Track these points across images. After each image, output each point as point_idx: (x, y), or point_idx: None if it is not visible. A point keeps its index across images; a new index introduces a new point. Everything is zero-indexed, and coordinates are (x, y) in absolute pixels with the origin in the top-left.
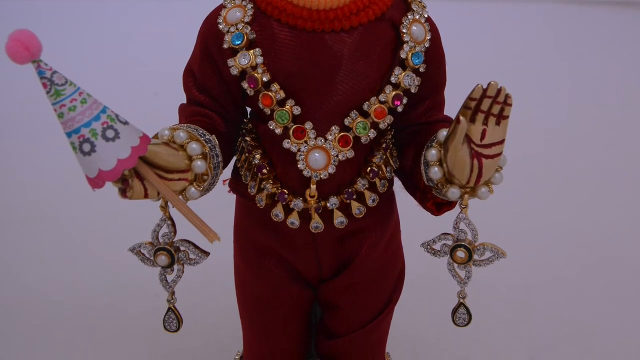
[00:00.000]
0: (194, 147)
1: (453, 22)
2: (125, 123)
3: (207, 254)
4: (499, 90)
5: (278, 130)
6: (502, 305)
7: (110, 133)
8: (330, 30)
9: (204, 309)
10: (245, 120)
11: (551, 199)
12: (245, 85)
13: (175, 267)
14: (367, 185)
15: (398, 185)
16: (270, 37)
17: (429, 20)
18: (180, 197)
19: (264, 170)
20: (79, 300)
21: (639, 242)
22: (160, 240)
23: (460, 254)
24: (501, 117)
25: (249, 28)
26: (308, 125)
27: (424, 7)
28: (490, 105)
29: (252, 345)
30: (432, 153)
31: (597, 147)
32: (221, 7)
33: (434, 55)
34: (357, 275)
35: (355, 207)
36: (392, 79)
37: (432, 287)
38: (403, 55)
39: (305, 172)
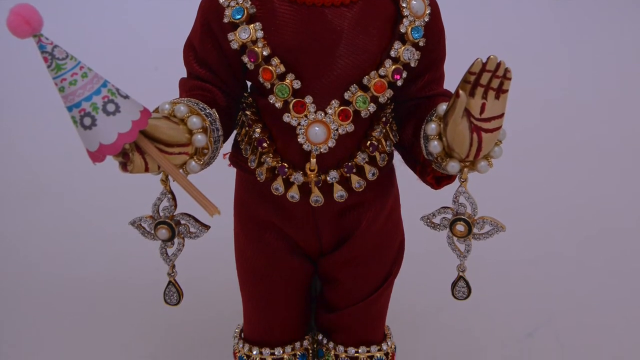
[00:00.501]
0: (194, 121)
1: None
2: (126, 97)
3: (207, 227)
4: (499, 65)
5: (278, 104)
6: (502, 278)
7: (111, 107)
8: (330, 5)
9: (204, 282)
10: (245, 95)
11: (550, 173)
12: (245, 59)
13: (176, 240)
14: (367, 159)
15: (398, 159)
16: (270, 12)
17: None
18: (181, 170)
19: (264, 144)
20: (80, 274)
21: (638, 215)
22: (161, 214)
23: (460, 227)
24: (500, 91)
25: (249, 2)
26: (308, 99)
27: None
28: (489, 79)
29: (252, 318)
30: (432, 127)
31: (596, 121)
32: None
33: (434, 29)
34: (357, 249)
35: (355, 181)
36: (392, 53)
37: (431, 261)
38: (403, 30)
39: (305, 146)
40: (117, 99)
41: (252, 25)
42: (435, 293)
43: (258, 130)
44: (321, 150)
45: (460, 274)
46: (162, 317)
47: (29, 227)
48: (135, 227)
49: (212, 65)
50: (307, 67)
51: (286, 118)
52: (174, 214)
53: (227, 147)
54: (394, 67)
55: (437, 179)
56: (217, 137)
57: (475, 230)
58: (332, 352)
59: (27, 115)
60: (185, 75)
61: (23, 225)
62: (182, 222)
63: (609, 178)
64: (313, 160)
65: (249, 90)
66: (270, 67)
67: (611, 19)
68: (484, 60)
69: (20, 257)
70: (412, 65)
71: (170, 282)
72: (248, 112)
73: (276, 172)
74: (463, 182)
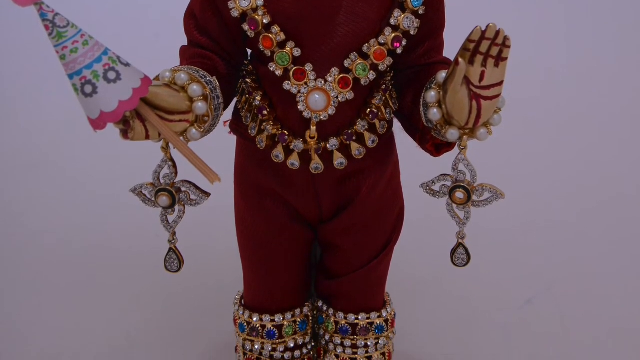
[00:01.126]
0: (195, 89)
1: None
2: (127, 65)
3: (207, 194)
4: (498, 32)
5: (278, 72)
6: (501, 246)
7: (111, 75)
8: None
9: (205, 249)
10: (245, 62)
11: (550, 141)
12: (245, 27)
13: (177, 207)
14: (366, 127)
15: (398, 127)
16: None
17: None
18: (181, 138)
19: (265, 112)
20: (80, 242)
21: (637, 184)
22: (162, 181)
23: (459, 194)
24: (500, 59)
25: None
26: (308, 67)
27: None
28: (488, 47)
29: (252, 285)
30: (431, 94)
31: (596, 89)
32: None
33: None
34: (356, 216)
35: (355, 148)
36: (392, 21)
37: (431, 228)
38: None
39: (305, 114)
40: (117, 67)
41: None
42: (435, 260)
43: (258, 97)
44: (321, 117)
45: (460, 241)
46: (163, 284)
47: (29, 195)
48: (136, 195)
49: (212, 33)
50: (307, 35)
51: (286, 86)
52: (175, 181)
53: (228, 114)
54: (393, 35)
55: (436, 147)
56: (218, 104)
57: (474, 197)
58: (332, 319)
59: (28, 83)
60: (185, 43)
61: (24, 193)
62: (183, 189)
63: (609, 145)
64: (313, 128)
65: (249, 58)
66: (271, 35)
67: None
68: (483, 28)
69: (21, 225)
70: (412, 33)
71: (171, 249)
72: (248, 80)
73: (276, 139)
74: (462, 149)
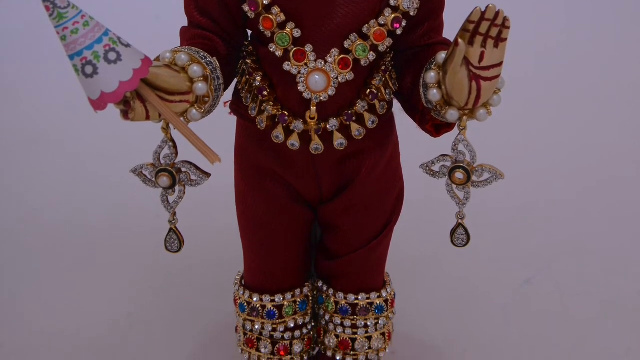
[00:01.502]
0: (195, 70)
1: None
2: (127, 46)
3: (208, 175)
4: (497, 13)
5: (278, 53)
6: (501, 226)
7: (112, 55)
8: None
9: (205, 229)
10: (246, 43)
11: (550, 121)
12: (246, 8)
13: (177, 188)
14: (366, 107)
15: (397, 108)
16: None
17: None
18: (182, 119)
19: (265, 93)
20: (81, 222)
21: (636, 163)
22: (162, 162)
23: (459, 175)
24: (499, 40)
25: None
26: (308, 47)
27: None
28: (488, 28)
29: (253, 265)
30: (431, 75)
31: (596, 68)
32: None
33: None
34: (356, 196)
35: (355, 129)
36: (392, 2)
37: (431, 208)
38: None
39: (305, 94)
40: (118, 48)
41: None
42: (435, 240)
43: (258, 78)
44: (321, 98)
45: (459, 221)
46: (163, 264)
47: (31, 175)
48: (137, 175)
49: (212, 14)
50: (307, 15)
51: (286, 66)
52: (175, 161)
53: (228, 95)
54: (393, 15)
55: (436, 127)
56: (218, 85)
57: (474, 177)
58: (332, 299)
59: (29, 64)
60: (186, 24)
61: (25, 173)
62: (183, 169)
63: (608, 124)
64: (313, 109)
65: (249, 39)
66: (271, 16)
67: None
68: (483, 9)
69: (23, 205)
70: (412, 14)
71: (171, 229)
72: (248, 61)
73: (276, 120)
74: (462, 130)
